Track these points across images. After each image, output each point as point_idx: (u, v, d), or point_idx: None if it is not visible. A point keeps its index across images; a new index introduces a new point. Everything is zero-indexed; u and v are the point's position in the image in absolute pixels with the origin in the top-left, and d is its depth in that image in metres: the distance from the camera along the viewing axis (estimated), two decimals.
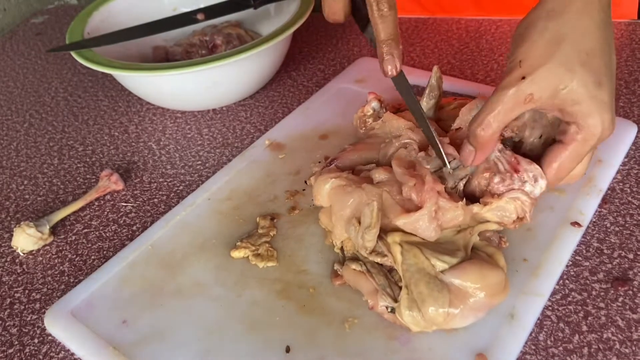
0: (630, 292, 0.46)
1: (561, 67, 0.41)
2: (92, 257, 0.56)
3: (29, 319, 0.51)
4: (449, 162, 0.47)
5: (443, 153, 0.47)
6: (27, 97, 0.84)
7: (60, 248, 0.57)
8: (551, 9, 0.43)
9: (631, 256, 0.48)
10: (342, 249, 0.49)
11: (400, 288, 0.44)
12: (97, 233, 0.58)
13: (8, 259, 0.57)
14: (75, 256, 0.56)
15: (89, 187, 0.64)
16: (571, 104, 0.42)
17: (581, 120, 0.43)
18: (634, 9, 0.79)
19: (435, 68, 0.55)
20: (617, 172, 0.56)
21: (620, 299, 0.45)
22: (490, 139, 0.44)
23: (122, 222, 0.59)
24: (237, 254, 0.51)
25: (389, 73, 0.46)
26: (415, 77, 0.72)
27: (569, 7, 0.42)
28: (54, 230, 0.58)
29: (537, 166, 0.46)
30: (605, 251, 0.49)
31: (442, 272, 0.43)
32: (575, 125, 0.43)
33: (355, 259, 0.47)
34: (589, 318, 0.44)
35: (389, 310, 0.44)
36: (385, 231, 0.45)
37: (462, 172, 0.48)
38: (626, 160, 0.57)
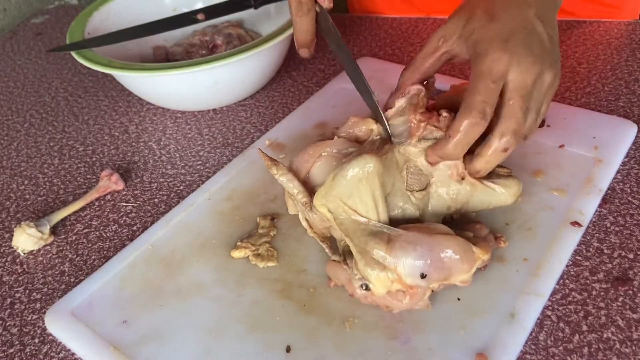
0: (631, 292, 0.46)
1: (464, 14, 0.48)
2: (93, 257, 0.56)
3: (29, 318, 0.51)
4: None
5: (386, 124, 0.50)
6: (27, 97, 0.84)
7: (61, 248, 0.57)
8: None
9: (631, 256, 0.48)
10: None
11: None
12: (97, 233, 0.58)
13: (8, 259, 0.57)
14: (75, 256, 0.56)
15: (90, 187, 0.64)
16: (473, 43, 0.46)
17: (478, 53, 0.45)
18: (635, 10, 0.80)
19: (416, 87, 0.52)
20: (617, 172, 0.56)
21: (621, 299, 0.45)
22: (413, 77, 0.51)
23: (122, 222, 0.59)
24: (237, 254, 0.51)
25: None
26: None
27: None
28: (54, 230, 0.59)
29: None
30: (605, 251, 0.49)
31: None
32: (472, 64, 0.46)
33: (335, 249, 0.48)
34: (589, 318, 0.44)
35: (364, 287, 0.44)
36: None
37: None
38: (626, 160, 0.57)
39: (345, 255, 0.47)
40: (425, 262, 0.43)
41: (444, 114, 0.48)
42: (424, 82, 0.52)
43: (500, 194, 0.48)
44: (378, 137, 0.50)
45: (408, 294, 0.44)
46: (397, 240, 0.43)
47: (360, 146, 0.50)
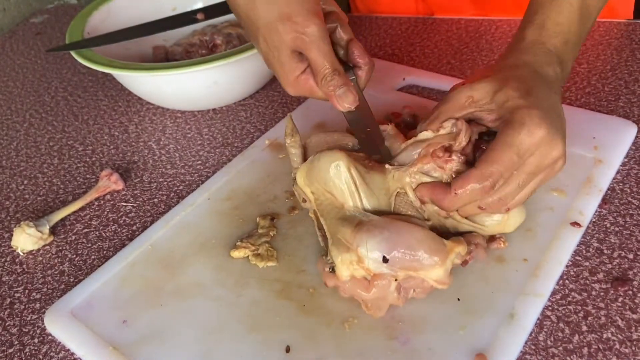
0: (630, 292, 0.46)
1: (496, 82, 0.47)
2: (92, 257, 0.56)
3: (29, 318, 0.51)
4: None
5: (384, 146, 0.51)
6: (27, 96, 0.84)
7: (60, 248, 0.57)
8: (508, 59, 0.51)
9: (631, 256, 0.48)
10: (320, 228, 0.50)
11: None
12: (97, 233, 0.58)
13: (8, 259, 0.57)
14: (75, 256, 0.56)
15: (89, 187, 0.64)
16: (509, 111, 0.45)
17: (511, 121, 0.44)
18: (629, 9, 0.80)
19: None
20: (617, 173, 0.56)
21: (620, 299, 0.45)
22: (434, 128, 0.49)
23: (122, 221, 0.59)
24: (237, 253, 0.51)
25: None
26: (414, 77, 0.72)
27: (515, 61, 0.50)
28: (53, 230, 0.58)
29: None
30: (605, 251, 0.49)
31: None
32: (504, 128, 0.45)
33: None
34: (589, 318, 0.44)
35: (330, 270, 0.45)
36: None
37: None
38: (626, 160, 0.57)
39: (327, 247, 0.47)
40: (389, 245, 0.42)
41: (454, 157, 0.47)
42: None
43: (488, 229, 0.48)
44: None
45: (372, 283, 0.44)
46: (365, 224, 0.44)
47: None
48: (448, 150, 0.47)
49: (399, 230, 0.43)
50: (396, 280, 0.44)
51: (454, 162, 0.47)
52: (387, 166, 0.48)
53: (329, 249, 0.45)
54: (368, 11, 0.94)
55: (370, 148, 0.51)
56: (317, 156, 0.48)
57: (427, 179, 0.47)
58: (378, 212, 0.47)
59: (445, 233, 0.48)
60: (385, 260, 0.42)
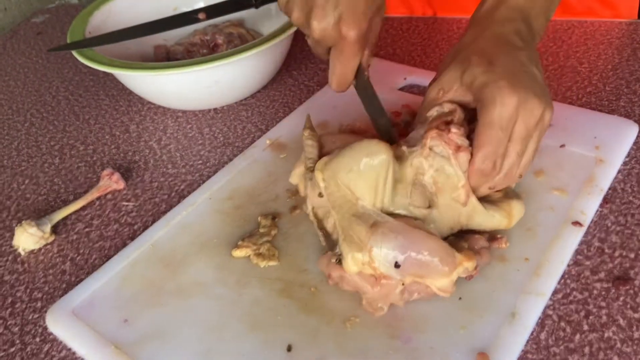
0: (632, 291, 0.46)
1: (459, 62, 0.49)
2: (94, 256, 0.56)
3: (30, 318, 0.51)
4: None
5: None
6: (28, 96, 0.84)
7: (62, 247, 0.57)
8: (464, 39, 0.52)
9: (632, 256, 0.48)
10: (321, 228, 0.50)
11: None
12: (98, 232, 0.58)
13: (9, 258, 0.57)
14: (76, 255, 0.56)
15: (90, 186, 0.64)
16: (478, 89, 0.47)
17: (482, 99, 0.46)
18: (634, 9, 0.79)
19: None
20: (618, 172, 0.56)
21: (622, 298, 0.45)
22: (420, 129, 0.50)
23: (123, 221, 0.59)
24: (238, 253, 0.51)
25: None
26: (415, 76, 0.72)
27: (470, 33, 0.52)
28: (55, 230, 0.59)
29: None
30: (606, 251, 0.49)
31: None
32: (480, 110, 0.46)
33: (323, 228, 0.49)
34: (590, 317, 0.44)
35: (337, 260, 0.45)
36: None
37: None
38: (627, 159, 0.57)
39: (333, 244, 0.47)
40: (403, 252, 0.43)
41: (454, 129, 0.47)
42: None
43: (497, 219, 0.49)
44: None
45: (379, 282, 0.44)
46: (380, 226, 0.44)
47: None
48: (448, 124, 0.48)
49: (413, 237, 0.43)
50: (403, 284, 0.44)
51: (455, 135, 0.47)
52: (403, 148, 0.48)
53: (340, 243, 0.45)
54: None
55: (386, 134, 0.53)
56: (352, 145, 0.47)
57: (446, 166, 0.46)
58: (393, 214, 0.47)
59: (450, 240, 0.48)
60: (397, 265, 0.43)
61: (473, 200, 0.47)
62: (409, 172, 0.47)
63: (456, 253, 0.44)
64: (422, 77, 0.72)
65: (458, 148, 0.46)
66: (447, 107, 0.50)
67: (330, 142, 0.52)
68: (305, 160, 0.51)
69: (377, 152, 0.46)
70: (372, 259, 0.43)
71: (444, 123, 0.48)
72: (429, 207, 0.48)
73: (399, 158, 0.47)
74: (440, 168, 0.46)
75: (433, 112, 0.50)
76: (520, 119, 0.45)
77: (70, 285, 0.53)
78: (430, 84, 0.51)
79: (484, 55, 0.48)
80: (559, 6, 0.55)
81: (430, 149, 0.47)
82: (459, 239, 0.48)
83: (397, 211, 0.47)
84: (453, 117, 0.49)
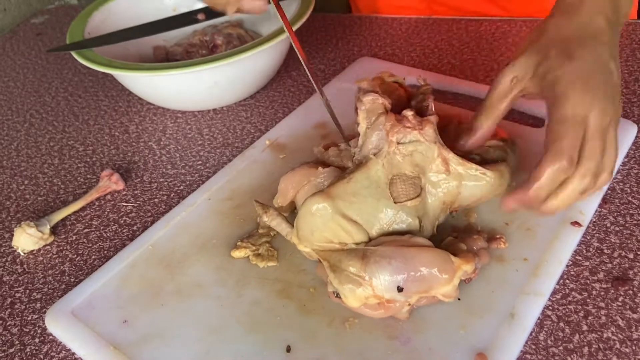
0: (631, 291, 0.46)
1: (536, 53, 0.47)
2: (93, 257, 0.56)
3: (29, 318, 0.51)
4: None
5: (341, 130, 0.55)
6: (27, 97, 0.84)
7: (61, 248, 0.57)
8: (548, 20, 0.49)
9: (631, 256, 0.48)
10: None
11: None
12: (97, 233, 0.58)
13: (9, 259, 0.57)
14: (75, 256, 0.56)
15: (90, 187, 0.64)
16: (551, 84, 0.45)
17: (555, 96, 0.44)
18: (633, 9, 0.80)
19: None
20: (617, 172, 0.56)
21: (621, 299, 0.45)
22: (489, 121, 0.49)
23: (122, 222, 0.59)
24: (237, 253, 0.51)
25: None
26: (416, 76, 0.72)
27: (552, 17, 0.49)
28: (54, 230, 0.59)
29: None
30: (605, 251, 0.49)
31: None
32: (552, 106, 0.44)
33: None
34: (589, 318, 0.44)
35: (336, 295, 0.45)
36: None
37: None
38: (626, 160, 0.57)
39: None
40: (401, 275, 0.43)
41: (408, 112, 0.48)
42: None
43: (488, 179, 0.48)
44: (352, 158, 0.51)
45: (383, 306, 0.44)
46: (371, 256, 0.43)
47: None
48: (387, 112, 0.49)
49: (406, 257, 0.43)
50: (409, 305, 0.44)
51: (412, 116, 0.48)
52: (371, 157, 0.47)
53: (330, 280, 0.44)
54: (369, 11, 0.94)
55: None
56: (297, 218, 0.47)
57: (418, 147, 0.47)
58: (402, 233, 0.47)
59: (449, 241, 0.48)
60: (400, 289, 0.43)
61: (458, 168, 0.47)
62: (383, 175, 0.47)
63: (453, 258, 0.44)
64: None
65: (420, 123, 0.47)
66: (367, 103, 0.50)
67: (290, 187, 0.52)
68: (286, 236, 0.50)
69: (315, 204, 0.45)
70: (375, 289, 0.43)
71: (386, 113, 0.49)
72: (419, 195, 0.47)
73: (361, 165, 0.47)
74: (413, 150, 0.47)
75: (363, 114, 0.50)
76: (594, 117, 0.43)
77: (70, 286, 0.53)
78: (502, 69, 0.48)
79: (565, 49, 0.45)
80: None
81: (398, 142, 0.47)
82: (457, 241, 0.48)
83: (393, 228, 0.47)
84: (386, 105, 0.49)
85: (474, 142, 0.50)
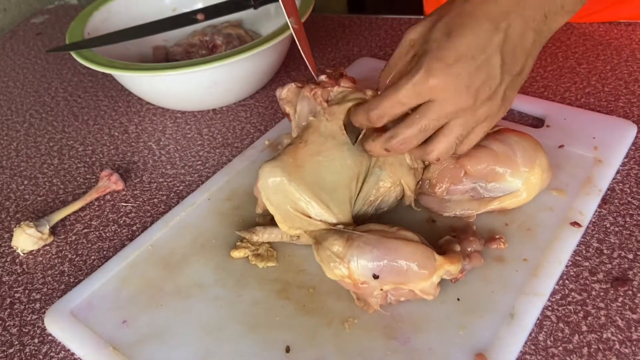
0: (630, 292, 0.46)
1: (433, 18, 0.46)
2: (92, 257, 0.56)
3: (29, 318, 0.51)
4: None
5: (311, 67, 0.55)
6: (27, 97, 0.84)
7: (60, 248, 0.57)
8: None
9: (631, 256, 0.48)
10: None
11: None
12: (97, 233, 0.58)
13: (8, 259, 0.57)
14: (75, 256, 0.56)
15: (89, 187, 0.64)
16: (420, 54, 0.45)
17: (417, 65, 0.44)
18: (634, 9, 0.79)
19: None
20: (617, 173, 0.56)
21: (620, 299, 0.45)
22: (386, 79, 0.49)
23: (122, 222, 0.59)
24: (237, 254, 0.51)
25: None
26: None
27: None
28: (54, 230, 0.58)
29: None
30: (605, 251, 0.49)
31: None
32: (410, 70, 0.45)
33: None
34: (589, 318, 0.44)
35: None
36: None
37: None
38: (626, 160, 0.57)
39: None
40: (380, 262, 0.43)
41: (322, 76, 0.52)
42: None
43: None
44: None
45: (356, 287, 0.45)
46: (356, 240, 0.44)
47: None
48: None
49: (389, 248, 0.44)
50: (382, 289, 0.45)
51: (325, 79, 0.53)
52: (311, 118, 0.51)
53: (314, 250, 0.46)
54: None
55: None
56: (263, 197, 0.49)
57: (348, 95, 0.51)
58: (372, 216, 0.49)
59: (446, 240, 0.48)
60: (375, 277, 0.44)
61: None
62: (331, 126, 0.50)
63: (437, 256, 0.44)
64: None
65: (337, 80, 0.52)
66: (283, 94, 0.54)
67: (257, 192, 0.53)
68: (282, 236, 0.52)
69: (270, 175, 0.48)
70: (351, 272, 0.44)
71: (302, 87, 0.53)
72: None
73: (306, 129, 0.50)
74: (344, 97, 0.51)
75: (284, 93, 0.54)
76: (438, 101, 0.43)
77: (69, 286, 0.53)
78: (405, 33, 0.48)
79: (450, 23, 0.44)
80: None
81: (327, 100, 0.51)
82: (454, 240, 0.48)
83: (371, 184, 0.50)
84: (297, 85, 0.53)
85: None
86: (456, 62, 0.43)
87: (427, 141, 0.46)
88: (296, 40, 0.56)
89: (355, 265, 0.43)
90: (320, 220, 0.47)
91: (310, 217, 0.47)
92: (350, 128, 0.49)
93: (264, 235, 0.51)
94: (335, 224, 0.47)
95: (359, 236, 0.45)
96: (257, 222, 0.55)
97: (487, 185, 0.51)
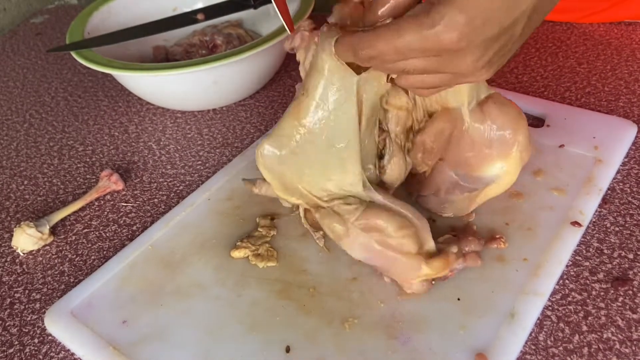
0: (630, 292, 0.46)
1: None
2: (92, 257, 0.56)
3: (29, 319, 0.51)
4: None
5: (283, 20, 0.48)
6: (27, 97, 0.84)
7: (60, 248, 0.57)
8: None
9: (631, 256, 0.48)
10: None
11: None
12: (97, 233, 0.58)
13: (8, 259, 0.57)
14: (75, 256, 0.56)
15: (89, 187, 0.64)
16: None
17: (422, 9, 0.35)
18: (635, 10, 0.79)
19: None
20: (617, 172, 0.56)
21: (620, 299, 0.45)
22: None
23: (122, 222, 0.59)
24: (237, 254, 0.51)
25: None
26: None
27: None
28: (54, 230, 0.58)
29: None
30: (605, 251, 0.49)
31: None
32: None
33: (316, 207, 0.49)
34: (589, 318, 0.44)
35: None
36: None
37: None
38: (626, 160, 0.57)
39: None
40: (370, 256, 0.45)
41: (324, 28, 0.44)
42: None
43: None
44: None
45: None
46: (352, 235, 0.45)
47: None
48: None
49: (386, 257, 0.45)
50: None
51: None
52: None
53: (316, 214, 0.47)
54: None
55: None
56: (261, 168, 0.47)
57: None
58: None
59: (447, 240, 0.48)
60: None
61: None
62: (332, 62, 0.42)
63: (423, 266, 0.44)
64: None
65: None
66: (296, 41, 0.47)
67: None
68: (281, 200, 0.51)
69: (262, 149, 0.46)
70: (343, 242, 0.46)
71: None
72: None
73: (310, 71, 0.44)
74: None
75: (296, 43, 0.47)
76: (441, 56, 0.36)
77: (69, 286, 0.53)
78: None
79: None
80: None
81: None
82: (453, 240, 0.48)
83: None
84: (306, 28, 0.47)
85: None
86: (470, 16, 0.34)
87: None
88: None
89: (349, 241, 0.45)
90: (325, 195, 0.47)
91: (311, 194, 0.47)
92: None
93: (262, 188, 0.51)
94: (341, 196, 0.46)
95: (358, 233, 0.45)
96: (257, 222, 0.55)
97: (467, 178, 0.50)
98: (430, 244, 0.45)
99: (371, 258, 0.45)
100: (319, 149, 0.45)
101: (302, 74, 0.48)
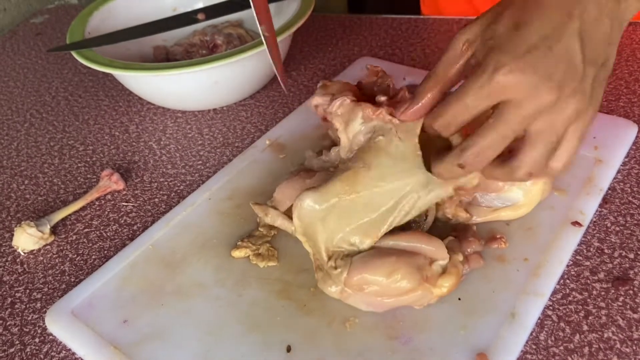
0: (631, 291, 0.46)
1: (491, 15, 0.41)
2: (93, 257, 0.56)
3: (29, 318, 0.51)
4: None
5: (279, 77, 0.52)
6: (27, 96, 0.84)
7: (61, 248, 0.57)
8: None
9: (632, 256, 0.48)
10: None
11: None
12: (97, 233, 0.58)
13: (9, 259, 0.57)
14: (76, 256, 0.56)
15: (90, 186, 0.64)
16: (483, 53, 0.40)
17: (483, 63, 0.39)
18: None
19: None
20: (618, 172, 0.56)
21: (621, 299, 0.45)
22: (435, 87, 0.44)
23: (122, 221, 0.59)
24: (237, 253, 0.51)
25: None
26: (416, 76, 0.72)
27: None
28: (54, 230, 0.58)
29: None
30: (605, 251, 0.49)
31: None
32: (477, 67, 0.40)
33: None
34: (590, 318, 0.44)
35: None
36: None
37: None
38: (627, 160, 0.57)
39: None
40: (377, 306, 0.45)
41: (381, 98, 0.48)
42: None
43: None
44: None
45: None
46: (351, 297, 0.45)
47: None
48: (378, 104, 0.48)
49: (384, 306, 0.45)
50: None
51: (384, 101, 0.48)
52: (379, 138, 0.46)
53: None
54: (433, 13, 0.93)
55: None
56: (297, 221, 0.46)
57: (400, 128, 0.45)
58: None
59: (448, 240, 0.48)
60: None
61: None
62: (404, 145, 0.45)
63: (434, 291, 0.44)
64: (421, 78, 0.72)
65: (393, 104, 0.47)
66: (337, 108, 0.49)
67: (285, 199, 0.51)
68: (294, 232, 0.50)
69: (302, 204, 0.45)
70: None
71: (358, 103, 0.48)
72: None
73: (367, 150, 0.46)
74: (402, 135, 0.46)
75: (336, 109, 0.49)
76: (513, 102, 0.38)
77: (70, 286, 0.53)
78: (456, 35, 0.43)
79: (516, 15, 0.39)
80: None
81: (392, 114, 0.46)
82: (456, 243, 0.48)
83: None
84: (352, 98, 0.49)
85: (415, 111, 0.45)
86: (529, 53, 0.38)
87: (508, 158, 0.41)
88: (267, 49, 0.54)
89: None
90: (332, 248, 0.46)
91: (322, 248, 0.46)
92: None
93: (276, 220, 0.50)
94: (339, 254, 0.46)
95: (353, 294, 0.45)
96: (257, 222, 0.55)
97: (486, 195, 0.50)
98: (443, 261, 0.45)
99: (380, 306, 0.44)
100: (358, 212, 0.45)
101: (344, 142, 0.49)
